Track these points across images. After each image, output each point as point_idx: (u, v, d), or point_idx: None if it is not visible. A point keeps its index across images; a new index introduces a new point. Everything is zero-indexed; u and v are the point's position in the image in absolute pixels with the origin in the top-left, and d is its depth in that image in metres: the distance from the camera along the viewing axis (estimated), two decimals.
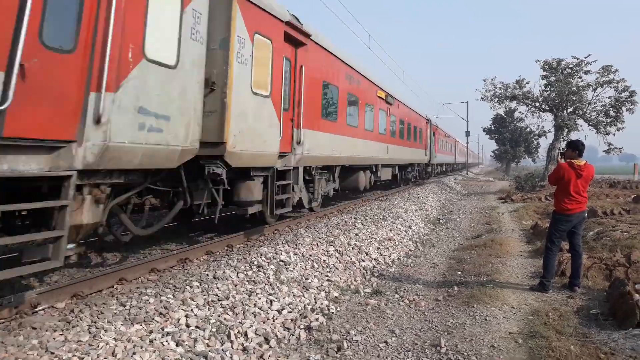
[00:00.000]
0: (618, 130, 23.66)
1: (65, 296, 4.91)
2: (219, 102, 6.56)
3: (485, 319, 5.26)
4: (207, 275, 5.74)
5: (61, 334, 3.84)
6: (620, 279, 5.95)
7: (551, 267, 6.40)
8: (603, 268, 6.81)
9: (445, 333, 4.90)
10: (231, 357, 4.01)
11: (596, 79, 23.65)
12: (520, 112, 30.58)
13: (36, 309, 4.52)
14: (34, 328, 3.97)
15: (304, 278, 6.32)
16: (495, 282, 6.70)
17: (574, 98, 23.80)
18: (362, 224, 10.53)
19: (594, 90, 23.87)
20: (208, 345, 4.12)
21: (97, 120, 4.38)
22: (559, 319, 5.20)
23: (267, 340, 4.45)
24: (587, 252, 7.81)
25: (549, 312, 5.42)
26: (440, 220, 14.41)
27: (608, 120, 23.68)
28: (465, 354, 4.38)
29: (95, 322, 4.13)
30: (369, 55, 29.04)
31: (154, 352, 3.79)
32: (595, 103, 24.14)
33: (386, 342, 4.66)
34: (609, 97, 23.63)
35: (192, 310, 4.67)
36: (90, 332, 3.91)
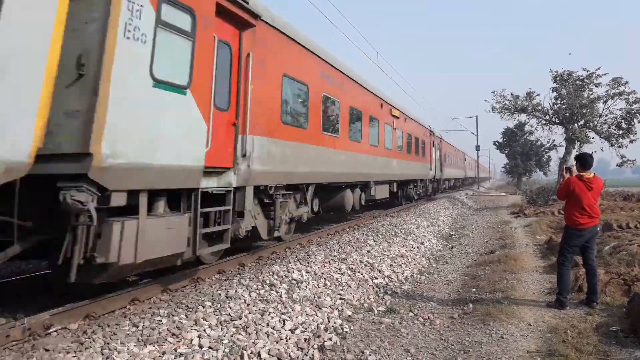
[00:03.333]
0: (631, 142, 23.38)
1: (78, 317, 4.90)
2: None
3: (502, 337, 5.16)
4: (220, 294, 5.71)
5: (74, 356, 3.83)
6: (639, 294, 5.81)
7: (566, 283, 6.29)
8: (621, 283, 6.67)
9: (462, 352, 4.81)
10: None
11: (607, 91, 23.50)
12: (530, 126, 30.27)
13: (49, 330, 4.52)
14: (47, 350, 3.97)
15: (316, 296, 6.26)
16: (511, 299, 6.59)
17: (584, 111, 23.63)
18: (374, 241, 10.46)
19: (605, 102, 23.70)
20: None
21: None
22: (578, 336, 5.09)
23: None
24: (603, 267, 7.67)
25: (567, 329, 5.30)
26: (453, 236, 14.28)
27: (620, 132, 23.43)
28: None
29: (108, 344, 4.11)
30: (378, 74, 29.18)
31: None
32: (606, 115, 23.93)
33: None
34: (620, 110, 23.43)
35: (204, 330, 4.64)
36: (103, 354, 3.89)
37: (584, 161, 6.31)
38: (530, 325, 5.56)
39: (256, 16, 7.39)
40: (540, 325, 5.57)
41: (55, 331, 4.56)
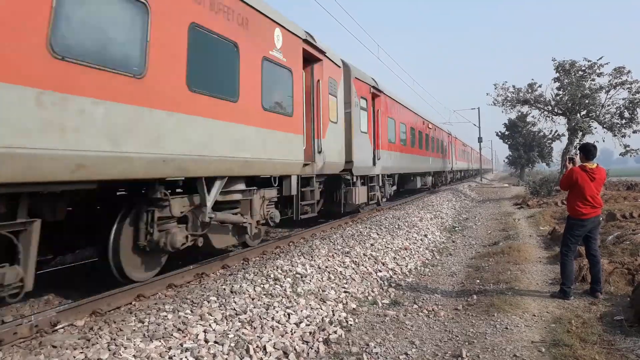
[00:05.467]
0: (634, 132, 23.24)
1: (85, 314, 4.93)
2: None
3: (507, 328, 5.18)
4: (224, 289, 5.74)
5: (81, 352, 3.85)
6: None
7: (569, 273, 6.30)
8: (625, 273, 6.68)
9: (466, 343, 4.82)
10: None
11: (609, 81, 23.33)
12: (533, 117, 30.08)
13: (56, 327, 4.54)
14: (55, 346, 3.99)
15: (320, 290, 6.28)
16: (515, 290, 6.60)
17: (586, 101, 23.49)
18: (378, 234, 10.47)
19: (607, 92, 23.53)
20: None
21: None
22: (582, 326, 5.10)
23: (286, 355, 4.42)
24: (607, 256, 7.68)
25: (572, 319, 5.32)
26: (456, 228, 14.29)
27: (623, 122, 23.28)
28: None
29: (114, 339, 4.14)
30: (379, 66, 29.06)
31: None
32: (609, 105, 23.77)
33: (406, 354, 4.61)
34: (623, 99, 23.28)
35: (210, 325, 4.66)
36: (109, 350, 3.92)
37: (587, 151, 6.30)
38: (535, 315, 5.57)
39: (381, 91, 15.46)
40: (545, 315, 5.58)
41: (62, 328, 4.58)
